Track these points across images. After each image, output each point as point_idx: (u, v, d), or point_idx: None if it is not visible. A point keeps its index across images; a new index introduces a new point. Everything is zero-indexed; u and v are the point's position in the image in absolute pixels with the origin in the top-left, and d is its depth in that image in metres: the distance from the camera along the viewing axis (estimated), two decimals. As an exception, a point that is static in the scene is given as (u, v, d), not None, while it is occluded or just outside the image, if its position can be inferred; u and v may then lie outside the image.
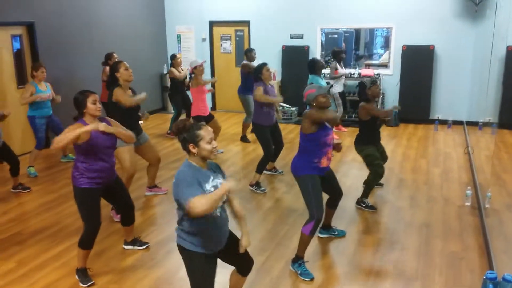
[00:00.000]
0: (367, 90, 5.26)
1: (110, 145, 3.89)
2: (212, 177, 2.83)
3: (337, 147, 4.26)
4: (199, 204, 2.58)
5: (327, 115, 4.02)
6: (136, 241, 4.56)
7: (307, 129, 4.02)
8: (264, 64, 6.06)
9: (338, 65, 8.76)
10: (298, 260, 4.06)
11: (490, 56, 6.88)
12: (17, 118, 7.54)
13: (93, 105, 3.75)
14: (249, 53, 8.45)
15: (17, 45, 7.71)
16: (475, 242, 4.57)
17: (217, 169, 2.97)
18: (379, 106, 9.32)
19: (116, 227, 4.93)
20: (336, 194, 4.50)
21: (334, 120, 4.13)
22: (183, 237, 2.87)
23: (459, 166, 6.89)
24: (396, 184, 6.21)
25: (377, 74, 9.68)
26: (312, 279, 3.95)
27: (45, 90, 6.56)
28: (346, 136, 8.66)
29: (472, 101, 9.13)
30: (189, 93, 7.57)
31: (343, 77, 8.88)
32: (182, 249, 2.92)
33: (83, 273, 3.96)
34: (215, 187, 2.79)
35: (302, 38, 10.20)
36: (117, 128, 3.93)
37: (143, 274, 4.09)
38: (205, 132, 2.77)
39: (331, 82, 8.60)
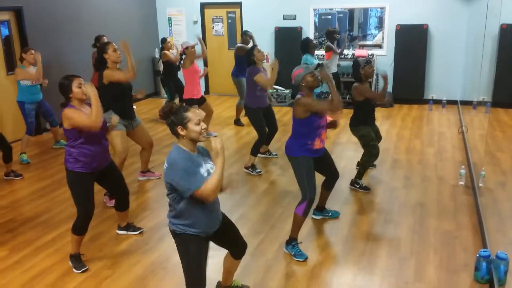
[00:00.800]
0: (360, 69, 5.20)
1: (99, 129, 3.82)
2: (203, 162, 2.82)
3: (333, 125, 4.22)
4: (209, 191, 2.64)
5: (323, 107, 3.97)
6: (130, 226, 4.54)
7: (299, 115, 3.98)
8: (254, 46, 6.07)
9: (332, 46, 8.66)
10: (291, 241, 4.05)
11: (483, 35, 6.82)
12: (8, 105, 7.45)
13: (78, 89, 3.70)
14: (244, 36, 8.35)
15: (5, 31, 7.58)
16: (469, 220, 4.58)
17: (205, 153, 2.95)
18: (372, 87, 9.29)
19: (110, 212, 4.90)
20: (332, 175, 4.49)
21: (335, 108, 4.05)
22: (175, 222, 2.86)
23: (453, 146, 6.89)
24: (390, 164, 6.20)
25: (371, 55, 9.61)
26: (305, 259, 3.95)
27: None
28: (340, 118, 8.61)
29: (466, 80, 9.10)
30: (181, 76, 7.49)
31: (337, 57, 8.79)
32: (175, 234, 2.91)
33: (76, 259, 3.94)
34: (208, 172, 2.79)
35: (295, 19, 10.09)
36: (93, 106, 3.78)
37: (137, 259, 4.08)
38: (193, 114, 2.76)
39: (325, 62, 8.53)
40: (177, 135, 2.78)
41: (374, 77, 8.85)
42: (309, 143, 4.02)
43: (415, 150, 6.72)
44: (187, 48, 6.87)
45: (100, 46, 5.07)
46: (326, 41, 8.83)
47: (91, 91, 3.68)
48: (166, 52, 8.42)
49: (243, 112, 8.31)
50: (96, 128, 3.72)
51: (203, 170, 2.76)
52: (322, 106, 4.02)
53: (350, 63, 9.51)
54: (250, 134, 7.55)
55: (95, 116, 3.66)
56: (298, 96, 4.05)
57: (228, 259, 3.27)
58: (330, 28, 9.10)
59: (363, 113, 5.33)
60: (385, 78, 5.33)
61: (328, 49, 8.62)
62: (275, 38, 10.15)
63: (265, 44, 10.08)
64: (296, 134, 4.08)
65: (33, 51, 6.50)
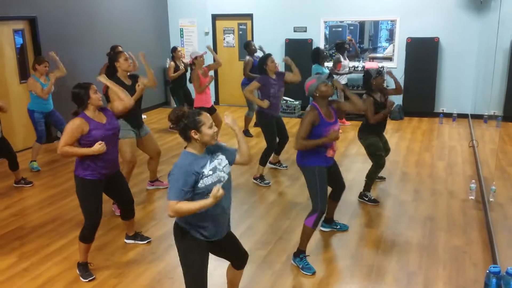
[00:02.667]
0: (372, 80, 5.19)
1: (112, 136, 3.84)
2: (209, 161, 2.82)
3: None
4: (175, 209, 2.69)
5: (302, 133, 3.92)
6: (137, 236, 4.55)
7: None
8: (268, 55, 5.98)
9: (341, 58, 8.68)
10: (299, 254, 4.03)
11: (495, 48, 6.80)
12: (20, 113, 7.53)
13: (95, 95, 3.73)
14: (247, 48, 8.36)
15: (19, 40, 7.70)
16: (479, 236, 4.53)
17: (216, 149, 2.92)
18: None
19: (117, 221, 4.91)
20: (339, 187, 4.47)
21: (297, 145, 3.98)
22: (182, 219, 2.87)
23: (464, 160, 6.83)
24: (400, 177, 6.16)
25: (381, 67, 9.59)
26: (313, 273, 3.92)
27: (46, 84, 6.56)
28: (349, 130, 8.60)
29: (477, 94, 9.05)
30: (190, 86, 7.53)
31: (347, 69, 8.80)
32: (179, 232, 2.89)
33: (84, 268, 3.95)
34: (214, 169, 2.81)
35: (305, 31, 10.13)
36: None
37: (144, 268, 4.08)
38: (205, 117, 2.78)
39: (335, 76, 8.52)
40: (189, 139, 2.79)
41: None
42: (321, 150, 4.00)
43: (425, 164, 6.68)
44: (196, 58, 6.90)
45: (112, 55, 5.18)
46: (335, 53, 8.85)
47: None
48: (171, 64, 8.45)
49: (252, 123, 8.33)
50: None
51: (207, 170, 2.77)
52: (299, 133, 3.95)
53: (360, 75, 9.53)
54: (259, 144, 7.56)
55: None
56: (308, 108, 4.04)
57: (230, 270, 3.25)
58: (338, 40, 9.13)
59: (373, 123, 5.31)
60: (390, 74, 5.68)
61: (337, 62, 8.61)
62: (286, 50, 10.18)
63: (276, 55, 9.99)
64: None
65: (47, 64, 6.55)
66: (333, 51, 10.36)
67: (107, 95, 5.77)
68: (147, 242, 4.53)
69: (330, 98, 4.14)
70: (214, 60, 7.51)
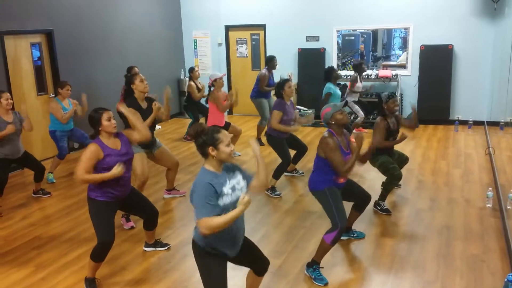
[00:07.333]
0: (383, 104, 5.26)
1: (126, 161, 3.89)
2: (228, 179, 2.84)
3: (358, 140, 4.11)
4: (207, 227, 2.66)
5: (336, 163, 3.91)
6: (157, 243, 4.60)
7: (322, 154, 4.01)
8: (286, 80, 6.01)
9: (358, 78, 8.61)
10: (313, 264, 4.01)
11: (510, 55, 6.74)
12: (37, 125, 7.62)
13: (108, 122, 3.77)
14: (270, 63, 8.25)
15: (36, 53, 7.84)
16: (497, 244, 4.46)
17: (233, 168, 2.96)
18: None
19: (130, 233, 4.96)
20: (363, 199, 4.48)
21: (343, 173, 3.97)
22: (200, 237, 2.87)
23: (480, 167, 6.75)
24: (415, 185, 6.11)
25: (395, 75, 9.57)
26: (326, 284, 3.89)
27: (68, 108, 6.63)
28: (366, 137, 8.55)
29: (492, 101, 8.96)
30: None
31: (360, 88, 8.71)
32: (197, 250, 2.92)
33: (90, 284, 3.92)
34: (233, 188, 2.83)
35: (318, 40, 10.15)
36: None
37: (159, 278, 4.09)
38: (224, 135, 2.81)
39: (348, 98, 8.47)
40: (206, 155, 2.82)
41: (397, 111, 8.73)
42: (333, 178, 4.03)
43: (441, 172, 6.62)
44: (215, 80, 6.92)
45: (128, 77, 5.29)
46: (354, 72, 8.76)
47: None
48: (192, 85, 8.59)
49: (264, 132, 8.34)
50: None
51: (226, 189, 2.80)
52: (337, 162, 3.92)
53: (373, 83, 9.51)
54: (272, 154, 7.54)
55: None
56: (325, 134, 4.05)
57: (250, 276, 3.27)
58: (356, 61, 9.13)
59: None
60: (413, 110, 5.71)
61: (353, 81, 8.56)
62: (298, 59, 10.22)
63: (289, 65, 10.16)
64: (318, 170, 4.11)
65: (69, 87, 6.63)
66: (346, 59, 10.38)
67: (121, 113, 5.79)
68: (167, 248, 4.56)
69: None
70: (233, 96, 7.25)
